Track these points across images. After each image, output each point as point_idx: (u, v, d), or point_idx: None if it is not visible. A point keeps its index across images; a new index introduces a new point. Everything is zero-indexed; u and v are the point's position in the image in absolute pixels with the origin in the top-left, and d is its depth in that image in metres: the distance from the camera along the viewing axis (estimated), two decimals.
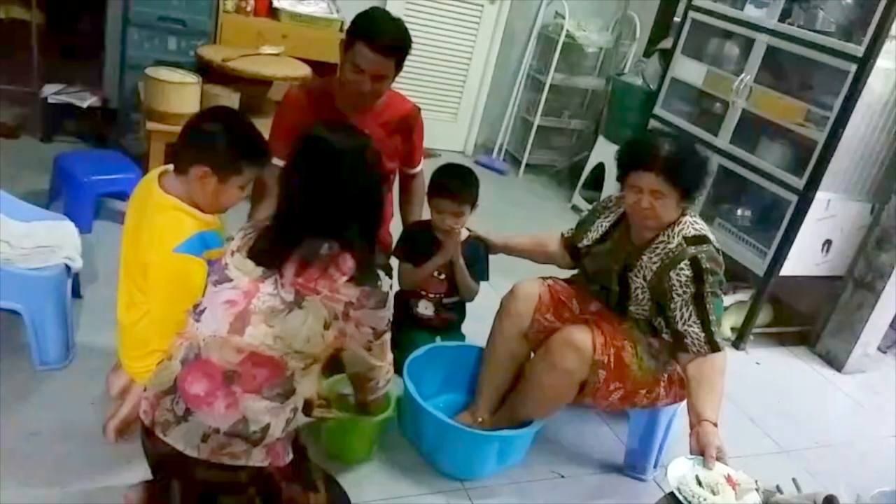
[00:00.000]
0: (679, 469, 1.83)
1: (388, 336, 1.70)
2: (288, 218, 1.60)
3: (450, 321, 2.63)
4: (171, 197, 1.85)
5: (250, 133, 1.90)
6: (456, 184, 2.47)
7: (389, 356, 1.78)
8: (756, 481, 1.84)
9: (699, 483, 1.80)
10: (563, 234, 2.47)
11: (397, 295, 2.66)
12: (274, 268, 1.54)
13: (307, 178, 1.58)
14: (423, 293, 2.59)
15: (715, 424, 1.93)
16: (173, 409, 1.50)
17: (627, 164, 2.10)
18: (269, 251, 1.56)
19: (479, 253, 2.61)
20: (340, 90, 2.34)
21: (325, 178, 1.56)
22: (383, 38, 2.18)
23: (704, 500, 1.75)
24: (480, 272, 2.63)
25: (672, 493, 1.83)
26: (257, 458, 1.51)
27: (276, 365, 1.52)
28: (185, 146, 1.87)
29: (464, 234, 2.57)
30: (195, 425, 1.48)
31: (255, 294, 1.53)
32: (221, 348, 1.51)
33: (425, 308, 2.59)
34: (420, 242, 2.57)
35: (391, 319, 1.68)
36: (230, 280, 1.57)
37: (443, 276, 2.58)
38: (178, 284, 1.79)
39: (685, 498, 1.76)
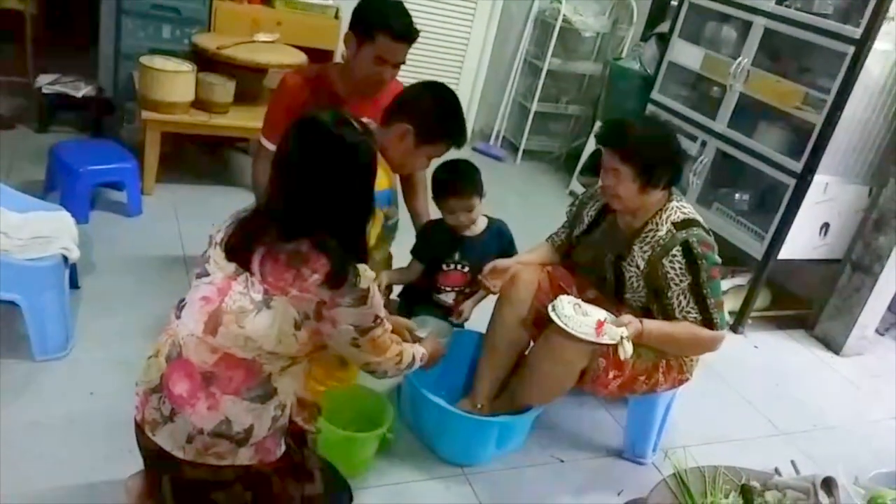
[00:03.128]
0: (565, 298, 2.11)
1: (379, 331, 1.56)
2: (264, 209, 1.51)
3: None
4: None
5: (460, 116, 2.08)
6: (460, 182, 2.43)
7: (395, 348, 1.67)
8: (622, 337, 2.01)
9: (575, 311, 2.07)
10: (553, 241, 2.47)
11: (416, 284, 2.64)
12: (243, 264, 1.46)
13: (294, 163, 1.47)
14: (447, 287, 2.58)
15: (641, 323, 2.06)
16: (160, 408, 1.47)
17: (598, 141, 2.19)
18: (238, 245, 1.48)
19: (503, 237, 2.58)
20: (351, 80, 2.34)
21: (314, 167, 1.45)
22: (404, 28, 2.25)
23: (567, 317, 2.04)
24: (506, 253, 2.59)
25: (672, 476, 1.84)
26: (244, 458, 1.48)
27: (250, 367, 1.46)
28: (400, 103, 2.04)
29: (482, 222, 2.54)
30: (180, 426, 1.45)
31: (228, 292, 1.46)
32: (197, 348, 1.46)
33: (446, 297, 2.58)
34: (436, 242, 2.54)
35: (380, 315, 1.54)
36: (208, 275, 1.51)
37: (466, 269, 2.55)
38: None
39: (556, 311, 2.06)
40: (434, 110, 2.04)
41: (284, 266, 1.43)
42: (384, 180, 2.03)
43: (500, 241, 2.57)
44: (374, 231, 2.16)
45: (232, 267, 1.47)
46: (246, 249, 1.46)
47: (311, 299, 1.43)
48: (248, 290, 1.44)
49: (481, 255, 2.55)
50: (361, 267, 1.48)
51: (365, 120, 2.33)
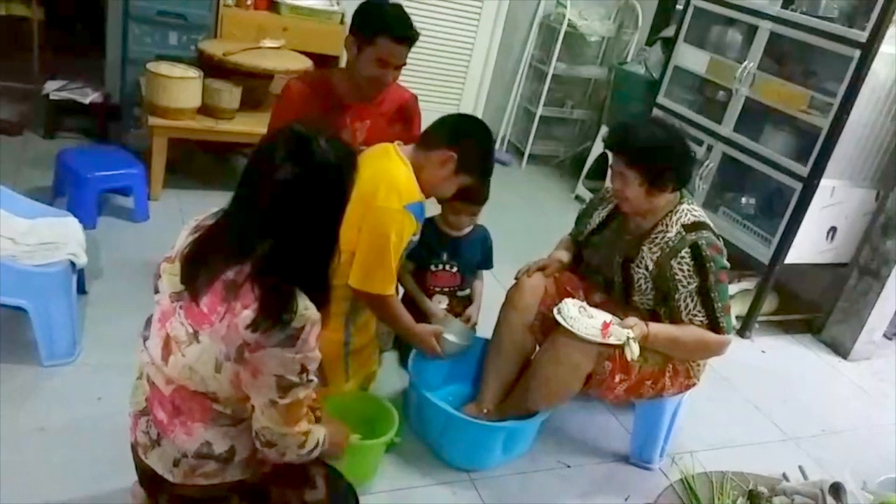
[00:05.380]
0: (570, 301, 2.14)
1: (301, 393, 1.33)
2: (223, 220, 1.36)
3: (462, 313, 2.64)
4: (409, 162, 2.06)
5: (493, 156, 2.19)
6: (484, 192, 2.48)
7: (304, 425, 1.39)
8: (628, 338, 2.01)
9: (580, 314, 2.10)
10: (572, 234, 2.48)
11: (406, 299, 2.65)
12: (188, 288, 1.32)
13: (264, 174, 1.30)
14: (438, 288, 2.59)
15: (646, 326, 2.07)
16: (148, 431, 1.45)
17: (605, 145, 2.19)
18: (191, 263, 1.33)
19: (485, 244, 2.62)
20: (352, 83, 2.35)
21: (284, 180, 1.27)
22: (405, 30, 2.27)
23: (573, 318, 2.06)
24: (486, 262, 2.65)
25: (679, 482, 1.84)
26: (234, 474, 1.44)
27: (202, 403, 1.36)
28: (447, 128, 2.09)
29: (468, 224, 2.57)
30: (167, 449, 1.42)
31: (170, 317, 1.36)
32: (157, 377, 1.41)
33: (439, 302, 2.59)
34: (424, 242, 2.56)
35: (308, 368, 1.32)
36: (158, 293, 1.42)
37: (455, 270, 2.57)
38: (396, 234, 1.98)
39: (561, 314, 2.08)
40: (481, 145, 2.12)
41: (220, 297, 1.29)
42: (416, 193, 2.06)
43: (483, 247, 2.62)
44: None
45: (172, 289, 1.37)
46: (198, 267, 1.33)
47: (235, 339, 1.27)
48: (182, 320, 1.34)
49: (468, 256, 2.58)
50: (302, 304, 1.28)
51: (365, 122, 2.38)
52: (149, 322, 1.47)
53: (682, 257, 2.06)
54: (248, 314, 1.26)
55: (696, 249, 2.06)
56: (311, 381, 1.35)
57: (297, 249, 1.31)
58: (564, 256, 2.39)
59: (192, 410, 1.39)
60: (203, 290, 1.30)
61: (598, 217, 2.34)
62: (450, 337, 2.22)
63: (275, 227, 1.29)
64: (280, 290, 1.28)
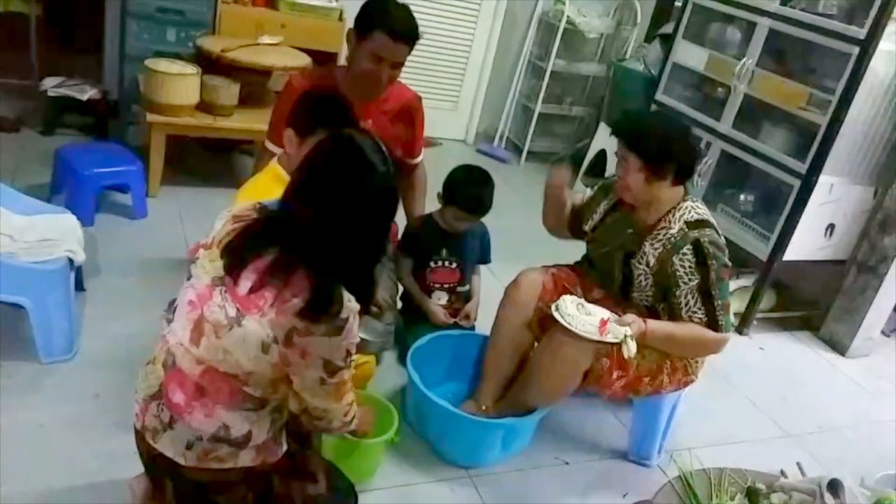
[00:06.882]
0: (568, 298, 2.12)
1: (347, 374, 1.47)
2: (275, 216, 1.45)
3: (461, 310, 2.65)
4: (277, 165, 2.07)
5: (331, 100, 2.04)
6: (482, 205, 2.52)
7: (349, 396, 1.54)
8: (625, 335, 1.99)
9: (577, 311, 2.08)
10: (573, 204, 2.45)
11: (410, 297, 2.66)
12: (233, 271, 1.39)
13: (321, 180, 1.41)
14: (437, 285, 2.60)
15: (644, 323, 2.05)
16: (160, 415, 1.45)
17: (612, 130, 2.19)
18: (237, 251, 1.41)
19: (484, 238, 2.63)
20: (351, 79, 2.35)
21: (344, 191, 1.38)
22: (403, 27, 2.25)
23: (571, 315, 2.04)
24: (484, 257, 2.66)
25: (677, 479, 1.84)
26: (246, 460, 1.46)
27: (232, 385, 1.41)
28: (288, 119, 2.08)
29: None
30: (180, 433, 1.44)
31: (207, 300, 1.40)
32: (185, 357, 1.43)
33: (438, 298, 2.60)
34: (424, 239, 2.57)
35: (352, 352, 1.44)
36: (192, 277, 1.46)
37: (455, 266, 2.58)
38: None
39: (559, 311, 2.06)
40: (306, 105, 2.07)
41: (268, 284, 1.37)
42: None
43: (481, 242, 2.63)
44: None
45: (213, 274, 1.42)
46: (243, 256, 1.40)
47: (284, 324, 1.35)
48: (225, 304, 1.39)
49: (468, 252, 2.59)
50: (346, 297, 1.39)
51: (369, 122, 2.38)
52: (172, 304, 1.51)
53: (684, 254, 2.06)
54: (297, 302, 1.34)
55: (697, 246, 2.06)
56: (353, 360, 1.47)
57: (347, 253, 1.41)
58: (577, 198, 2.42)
59: (220, 392, 1.42)
60: (252, 277, 1.37)
61: (601, 207, 2.33)
62: (364, 335, 2.12)
63: (328, 231, 1.38)
64: (329, 284, 1.37)
